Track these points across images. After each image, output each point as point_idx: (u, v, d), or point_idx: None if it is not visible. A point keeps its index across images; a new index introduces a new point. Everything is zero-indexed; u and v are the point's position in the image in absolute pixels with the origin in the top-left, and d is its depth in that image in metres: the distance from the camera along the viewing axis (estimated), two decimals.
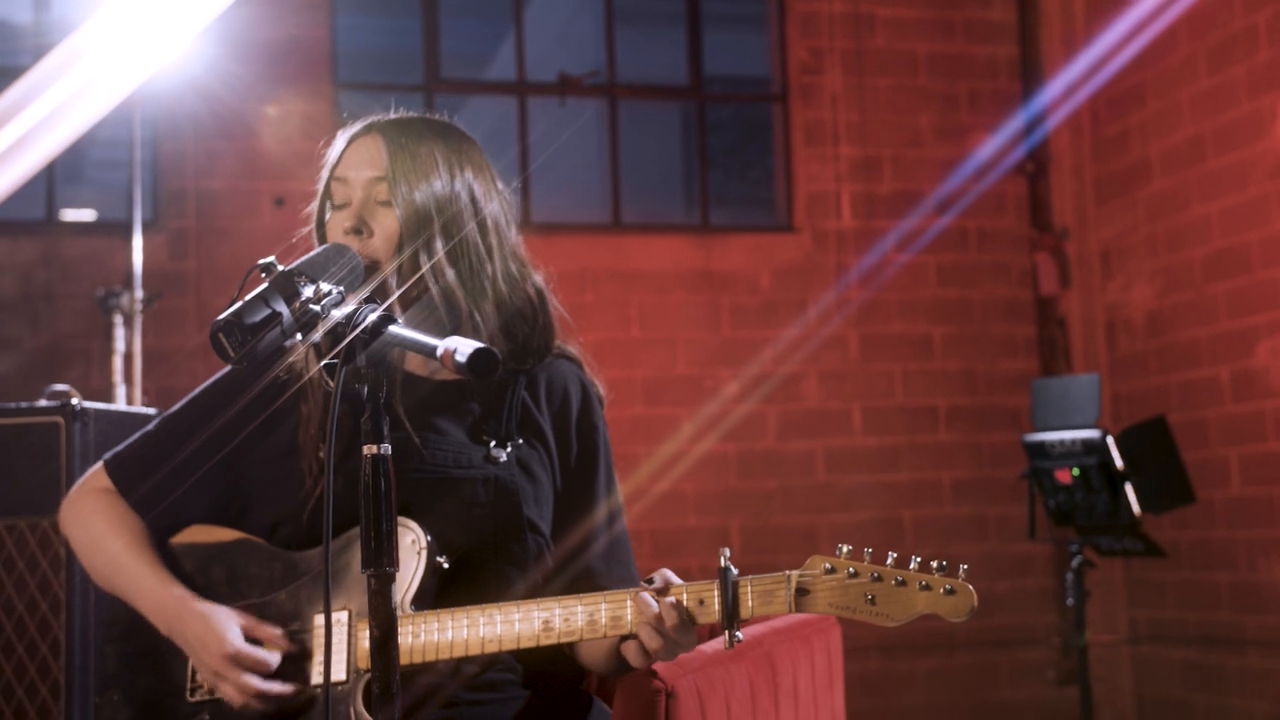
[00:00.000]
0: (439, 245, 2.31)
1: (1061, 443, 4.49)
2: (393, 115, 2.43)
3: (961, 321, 7.20)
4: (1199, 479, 4.69)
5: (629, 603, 2.10)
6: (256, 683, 2.16)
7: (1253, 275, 6.13)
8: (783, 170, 7.28)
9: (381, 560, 1.74)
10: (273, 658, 2.18)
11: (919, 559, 2.03)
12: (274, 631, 2.21)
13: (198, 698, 2.26)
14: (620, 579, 2.35)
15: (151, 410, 3.52)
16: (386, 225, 2.31)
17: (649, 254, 6.93)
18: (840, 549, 2.05)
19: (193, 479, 2.37)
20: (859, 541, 2.08)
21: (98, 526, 2.38)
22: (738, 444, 6.85)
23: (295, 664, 2.21)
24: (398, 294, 2.28)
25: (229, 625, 2.20)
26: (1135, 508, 4.42)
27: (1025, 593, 7.06)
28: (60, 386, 3.44)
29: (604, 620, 2.11)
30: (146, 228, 5.48)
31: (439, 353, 1.73)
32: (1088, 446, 4.43)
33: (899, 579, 2.02)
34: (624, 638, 2.13)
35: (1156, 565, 6.68)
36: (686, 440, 6.79)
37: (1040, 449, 4.57)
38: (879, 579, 2.03)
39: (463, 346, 1.70)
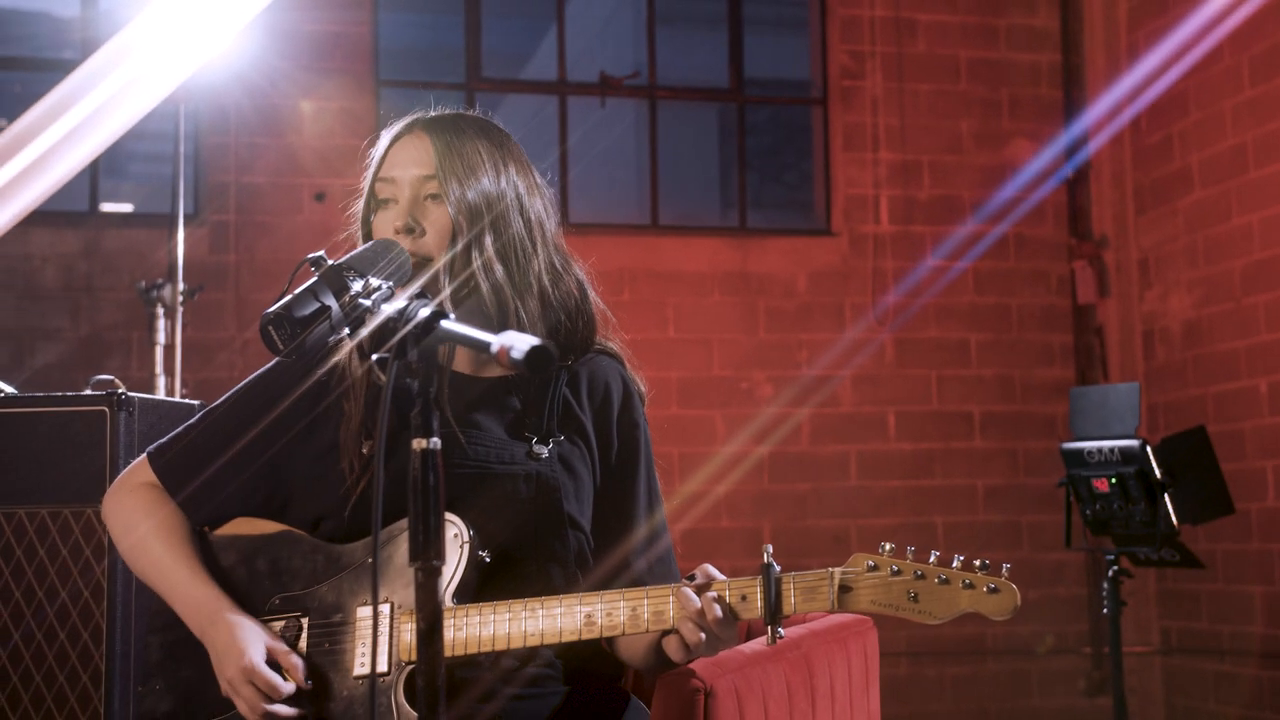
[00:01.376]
0: (489, 241, 2.32)
1: (1100, 451, 4.46)
2: (434, 113, 2.44)
3: (998, 328, 7.18)
4: (1235, 491, 4.65)
5: (671, 598, 2.11)
6: (263, 704, 2.18)
7: None
8: (821, 174, 7.28)
9: (429, 553, 1.74)
10: (286, 686, 2.20)
11: (962, 558, 2.04)
12: (295, 660, 2.22)
13: None
14: (662, 576, 2.36)
15: (194, 402, 3.54)
16: (438, 222, 2.32)
17: (686, 255, 6.94)
18: (883, 547, 2.06)
19: (239, 476, 2.39)
20: None
21: (141, 527, 2.40)
22: (771, 446, 6.85)
23: (314, 692, 2.23)
24: (449, 289, 2.29)
25: (254, 643, 2.22)
26: (1173, 518, 4.39)
27: (1057, 601, 7.04)
28: (105, 376, 3.47)
29: (646, 615, 2.11)
30: (187, 221, 5.51)
31: (494, 348, 1.73)
32: (1126, 455, 4.40)
33: (942, 577, 2.02)
34: (665, 633, 2.14)
35: (1190, 577, 6.65)
36: (720, 442, 6.80)
37: (1078, 457, 4.55)
38: (922, 577, 2.03)
39: (519, 343, 1.70)
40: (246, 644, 2.21)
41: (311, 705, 2.21)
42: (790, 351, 6.94)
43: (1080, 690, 7.02)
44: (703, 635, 2.09)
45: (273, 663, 2.21)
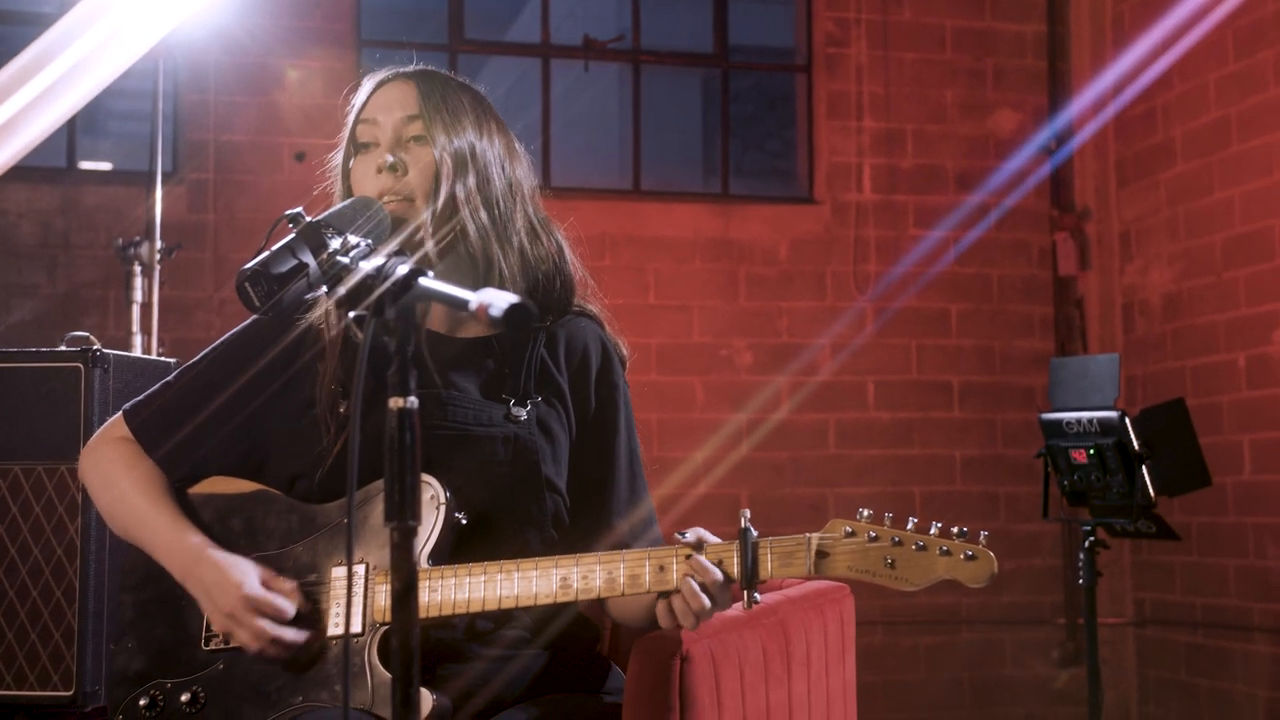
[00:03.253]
0: (473, 183, 2.31)
1: (1078, 422, 4.46)
2: (417, 67, 2.43)
3: (979, 299, 7.18)
4: (1211, 464, 4.66)
5: (647, 562, 2.10)
6: (271, 628, 2.16)
7: (1273, 261, 6.10)
8: (805, 141, 7.25)
9: (404, 513, 1.72)
10: (289, 606, 2.18)
11: (939, 525, 2.03)
12: (290, 585, 2.21)
13: (213, 646, 2.27)
14: (646, 539, 2.37)
15: (170, 359, 3.52)
16: (422, 160, 2.30)
17: (668, 221, 6.91)
18: (860, 513, 2.05)
19: (215, 435, 2.37)
20: None
21: (122, 482, 2.38)
22: (750, 414, 6.84)
23: (310, 617, 2.22)
24: (434, 234, 2.26)
25: (248, 572, 2.20)
26: (1150, 489, 4.39)
27: (1032, 572, 7.06)
28: (80, 333, 3.44)
29: (622, 579, 2.10)
30: (166, 179, 5.46)
31: (472, 305, 1.70)
32: (1104, 427, 4.40)
33: (919, 544, 2.02)
34: (663, 595, 2.11)
35: (1164, 549, 6.68)
36: (699, 409, 6.79)
37: (1056, 427, 4.54)
38: (899, 543, 2.03)
39: (498, 300, 1.67)
40: (241, 575, 2.19)
41: (299, 646, 2.20)
42: (771, 319, 6.93)
43: (1054, 660, 7.05)
44: (706, 600, 2.06)
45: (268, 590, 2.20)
